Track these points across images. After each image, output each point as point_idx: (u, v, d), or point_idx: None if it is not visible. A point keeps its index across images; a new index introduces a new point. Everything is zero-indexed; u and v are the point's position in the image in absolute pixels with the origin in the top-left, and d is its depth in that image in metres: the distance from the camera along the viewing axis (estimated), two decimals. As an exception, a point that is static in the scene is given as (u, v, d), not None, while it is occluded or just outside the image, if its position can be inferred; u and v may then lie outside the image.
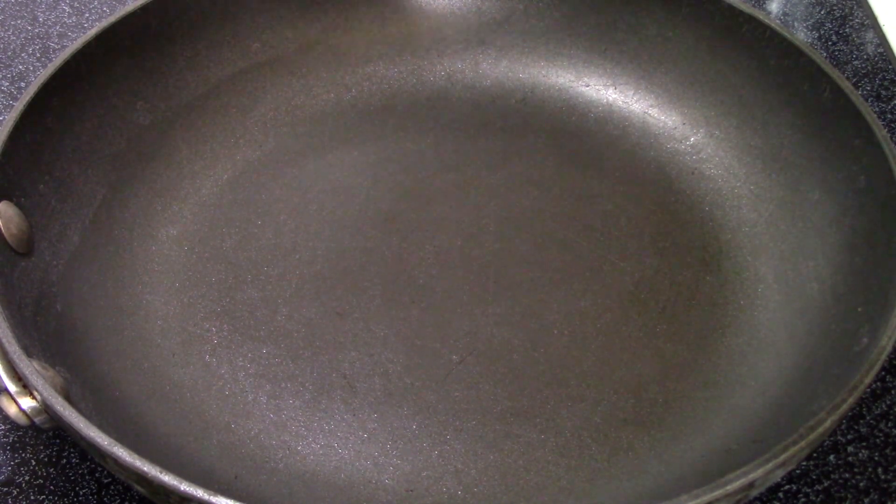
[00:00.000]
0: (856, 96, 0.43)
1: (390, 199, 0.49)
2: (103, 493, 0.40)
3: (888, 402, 0.44)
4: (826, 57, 0.58)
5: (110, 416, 0.37)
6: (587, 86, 0.53)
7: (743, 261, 0.46)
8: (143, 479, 0.32)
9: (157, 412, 0.40)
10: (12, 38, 0.61)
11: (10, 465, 0.41)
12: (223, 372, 0.42)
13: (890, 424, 0.43)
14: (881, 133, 0.42)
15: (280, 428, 0.40)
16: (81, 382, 0.38)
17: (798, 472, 0.41)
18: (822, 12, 0.63)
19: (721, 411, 0.40)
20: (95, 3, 0.64)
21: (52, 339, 0.39)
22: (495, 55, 0.55)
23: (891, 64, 0.58)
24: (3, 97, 0.58)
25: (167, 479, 0.32)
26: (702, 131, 0.51)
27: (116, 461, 0.32)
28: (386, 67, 0.55)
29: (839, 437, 0.42)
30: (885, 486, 0.41)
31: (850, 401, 0.34)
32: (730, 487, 0.32)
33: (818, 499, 0.40)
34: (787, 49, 0.47)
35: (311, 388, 0.42)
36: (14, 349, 0.35)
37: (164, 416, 0.40)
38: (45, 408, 0.35)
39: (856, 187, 0.43)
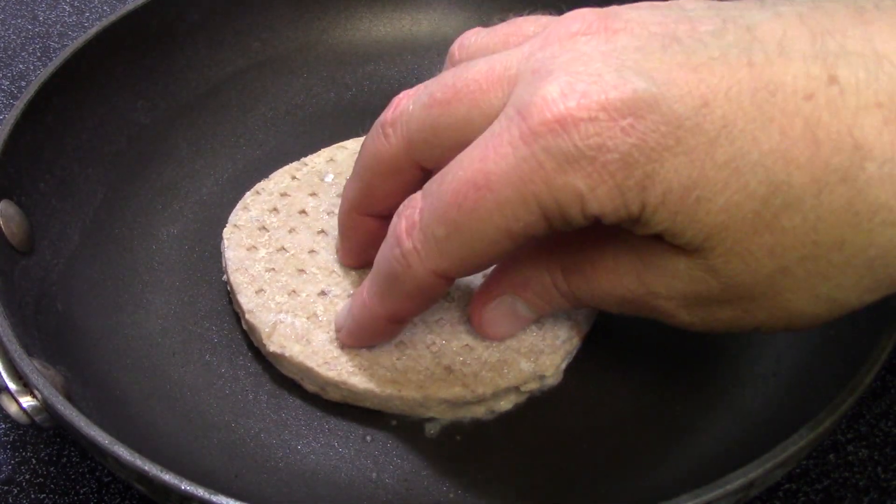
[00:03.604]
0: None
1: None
2: (104, 491, 0.40)
3: (888, 402, 0.44)
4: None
5: (111, 414, 0.37)
6: (587, 85, 0.53)
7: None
8: (143, 477, 0.32)
9: (157, 411, 0.40)
10: (12, 37, 0.61)
11: (10, 464, 0.41)
12: (223, 371, 0.42)
13: (890, 423, 0.43)
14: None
15: (280, 426, 0.40)
16: (82, 381, 0.38)
17: (798, 471, 0.41)
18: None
19: (721, 411, 0.40)
20: (96, 2, 0.64)
21: (52, 337, 0.39)
22: (495, 55, 0.55)
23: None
24: (3, 96, 0.58)
25: (167, 477, 0.32)
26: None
27: (117, 460, 0.32)
28: (386, 67, 0.55)
29: (839, 437, 0.42)
30: (884, 485, 0.41)
31: (850, 401, 0.34)
32: (730, 487, 0.32)
33: (818, 498, 0.40)
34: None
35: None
36: (15, 348, 0.35)
37: (164, 415, 0.40)
38: (46, 406, 0.35)
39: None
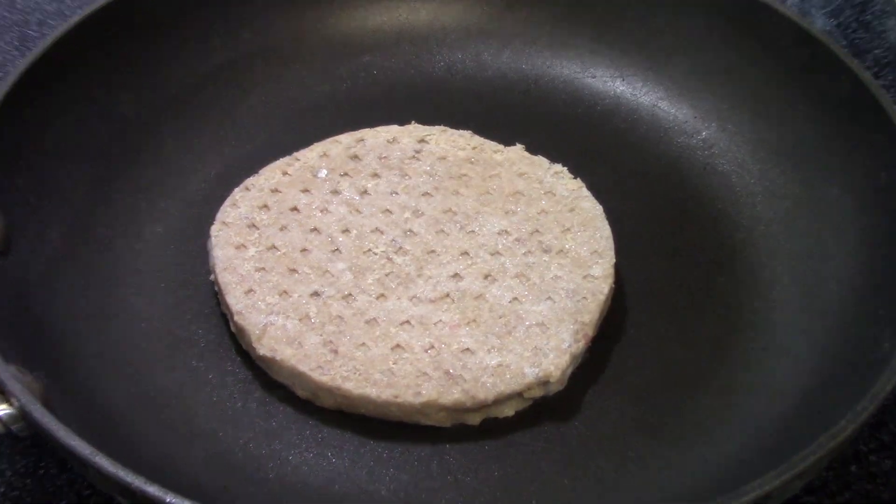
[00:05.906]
0: (876, 88, 0.43)
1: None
2: (84, 505, 0.40)
3: (910, 409, 0.43)
4: (845, 46, 0.58)
5: (92, 423, 0.37)
6: (594, 77, 0.53)
7: (757, 261, 0.45)
8: (126, 490, 0.32)
9: (141, 419, 0.40)
10: (-10, 26, 0.61)
11: (-15, 476, 0.40)
12: (211, 377, 0.42)
13: (912, 432, 0.42)
14: (903, 127, 0.42)
15: (271, 436, 0.40)
16: (61, 388, 0.37)
17: (817, 482, 0.40)
18: (840, -1, 0.62)
19: (735, 419, 0.40)
20: (78, -11, 0.64)
21: (30, 342, 0.39)
22: (498, 45, 0.54)
23: (911, 54, 0.58)
24: (-19, 89, 0.57)
25: (152, 490, 0.31)
26: (714, 125, 0.50)
27: (98, 471, 0.32)
28: (383, 58, 0.54)
29: (861, 446, 0.41)
30: (907, 497, 0.40)
31: (872, 408, 0.34)
32: (745, 499, 0.31)
33: (837, 511, 0.40)
34: (804, 38, 0.47)
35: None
36: (-12, 353, 0.34)
37: (148, 424, 0.40)
38: (23, 414, 0.34)
39: (876, 184, 0.43)
